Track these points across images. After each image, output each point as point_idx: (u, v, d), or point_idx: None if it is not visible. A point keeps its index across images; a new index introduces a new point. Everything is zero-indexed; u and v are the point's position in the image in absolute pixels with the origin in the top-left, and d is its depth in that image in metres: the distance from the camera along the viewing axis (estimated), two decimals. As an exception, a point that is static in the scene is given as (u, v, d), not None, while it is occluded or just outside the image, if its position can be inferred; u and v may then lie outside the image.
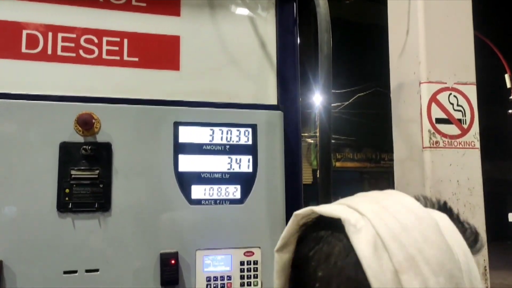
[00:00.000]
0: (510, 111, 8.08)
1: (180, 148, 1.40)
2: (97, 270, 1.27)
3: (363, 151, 15.96)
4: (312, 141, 14.88)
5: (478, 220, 1.87)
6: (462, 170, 1.89)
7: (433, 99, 1.92)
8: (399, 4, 2.15)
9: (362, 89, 13.84)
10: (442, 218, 0.53)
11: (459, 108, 1.95)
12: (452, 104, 1.95)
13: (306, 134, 14.11)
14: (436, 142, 1.89)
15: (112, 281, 1.27)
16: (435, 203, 0.58)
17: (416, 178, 1.93)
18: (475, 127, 1.95)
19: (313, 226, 0.54)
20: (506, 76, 8.05)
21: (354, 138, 15.31)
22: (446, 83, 1.96)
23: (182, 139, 1.41)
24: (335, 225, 0.51)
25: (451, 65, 1.97)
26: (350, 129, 15.05)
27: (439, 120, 1.90)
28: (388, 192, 0.56)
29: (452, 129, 1.92)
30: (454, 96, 1.95)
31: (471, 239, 0.53)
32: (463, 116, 1.94)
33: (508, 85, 8.12)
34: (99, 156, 1.32)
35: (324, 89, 1.33)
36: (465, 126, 1.93)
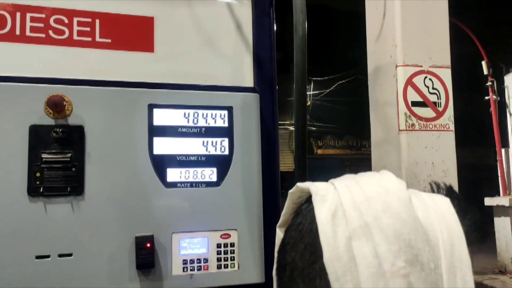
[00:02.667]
0: (486, 97, 8.22)
1: (155, 131, 1.38)
2: (70, 255, 1.25)
3: (344, 138, 16.09)
4: (293, 129, 14.92)
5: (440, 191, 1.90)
6: (437, 152, 1.92)
7: (409, 82, 1.94)
8: (376, -12, 2.15)
9: (343, 76, 13.91)
10: (438, 201, 0.53)
11: (434, 91, 1.98)
12: (428, 87, 1.97)
13: (287, 122, 14.14)
14: (412, 124, 1.91)
15: (86, 266, 1.26)
16: (443, 189, 0.59)
17: (392, 161, 1.96)
18: (450, 110, 1.97)
19: (304, 202, 0.56)
20: (483, 63, 8.17)
21: (335, 126, 15.42)
22: (421, 66, 1.98)
23: (157, 121, 1.39)
24: None
25: (426, 49, 1.99)
26: (331, 117, 15.14)
27: (415, 103, 1.92)
28: (381, 172, 0.57)
29: (427, 112, 1.94)
30: (430, 79, 1.97)
31: (468, 225, 0.53)
32: (438, 99, 1.96)
33: (485, 72, 8.24)
34: (71, 139, 1.29)
35: (298, 70, 1.33)
36: (440, 109, 1.96)
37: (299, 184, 0.55)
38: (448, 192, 0.58)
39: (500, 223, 8.52)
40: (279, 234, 0.57)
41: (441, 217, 0.50)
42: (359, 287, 0.44)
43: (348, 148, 15.96)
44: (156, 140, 1.37)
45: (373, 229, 0.46)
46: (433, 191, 0.58)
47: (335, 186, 0.52)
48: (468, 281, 0.48)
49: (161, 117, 1.39)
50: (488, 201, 8.74)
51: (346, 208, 0.48)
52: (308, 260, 0.49)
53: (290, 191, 0.57)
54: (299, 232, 0.52)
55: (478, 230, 0.55)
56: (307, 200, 0.54)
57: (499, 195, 8.77)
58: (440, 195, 0.55)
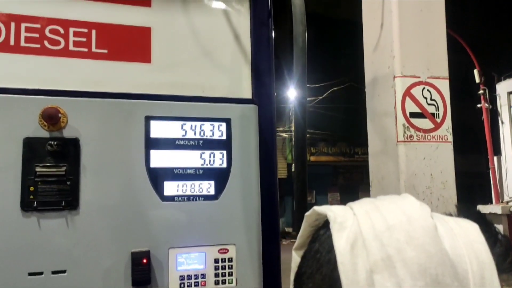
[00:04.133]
0: (479, 105, 8.28)
1: (151, 143, 1.35)
2: (64, 271, 1.22)
3: (337, 145, 16.12)
4: (287, 136, 14.94)
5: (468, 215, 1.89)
6: (436, 163, 1.91)
7: (407, 93, 1.93)
8: (374, -2, 2.15)
9: (336, 83, 13.96)
10: (466, 227, 0.49)
11: (433, 102, 1.97)
12: (426, 98, 1.96)
13: (281, 129, 14.16)
14: (410, 136, 1.90)
15: (80, 282, 1.22)
16: (472, 214, 0.55)
17: (390, 172, 1.94)
18: (448, 121, 1.97)
19: (322, 226, 0.53)
20: (475, 72, 8.24)
21: (328, 132, 15.45)
22: (419, 77, 1.97)
23: (154, 134, 1.36)
24: None
25: (424, 60, 1.98)
26: (325, 124, 15.17)
27: (413, 114, 1.91)
28: (402, 196, 0.53)
29: (425, 123, 1.93)
30: (428, 90, 1.96)
31: (499, 254, 0.50)
32: (436, 110, 1.96)
33: (477, 80, 8.31)
34: (66, 152, 1.26)
35: (299, 83, 1.31)
36: (438, 120, 1.95)
37: (316, 208, 0.53)
38: (477, 217, 0.54)
39: (493, 231, 8.52)
40: (296, 257, 0.55)
41: (470, 246, 0.47)
42: None
43: (341, 155, 16.00)
44: (153, 152, 1.35)
45: (396, 263, 0.43)
46: (459, 215, 0.55)
47: (354, 211, 0.49)
48: None
49: (158, 129, 1.37)
50: (481, 209, 8.76)
51: (366, 237, 0.45)
52: None
53: (307, 213, 0.54)
54: (317, 261, 0.49)
55: (509, 258, 0.51)
56: (324, 224, 0.52)
57: (491, 202, 8.81)
58: (467, 221, 0.52)
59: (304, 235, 0.55)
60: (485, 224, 0.52)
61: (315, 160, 15.57)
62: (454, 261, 0.45)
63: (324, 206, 0.53)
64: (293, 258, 0.56)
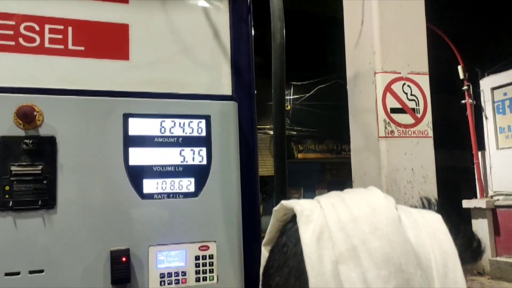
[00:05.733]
0: (463, 101, 8.38)
1: (130, 141, 1.34)
2: (42, 271, 1.20)
3: (325, 142, 16.17)
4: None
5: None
6: (416, 158, 1.93)
7: (388, 88, 1.94)
8: (354, -5, 2.15)
9: (323, 80, 14.00)
10: (429, 218, 0.51)
11: (413, 97, 1.99)
12: (406, 93, 1.98)
13: (268, 126, 14.15)
14: (391, 131, 1.91)
15: (58, 282, 1.21)
16: (434, 204, 0.57)
17: (372, 167, 1.95)
18: (428, 116, 1.98)
19: (290, 220, 0.53)
20: (459, 68, 8.34)
21: (316, 130, 15.48)
22: (400, 73, 1.99)
23: (132, 131, 1.35)
24: None
25: (405, 55, 1.99)
26: (312, 121, 15.20)
27: (393, 110, 1.93)
28: (368, 189, 0.53)
29: (406, 119, 1.95)
30: (408, 85, 1.98)
31: (462, 244, 0.51)
32: (416, 106, 1.97)
33: (461, 76, 8.41)
34: (42, 150, 1.24)
35: (277, 78, 1.31)
36: (419, 116, 1.97)
37: (284, 202, 0.53)
38: (440, 208, 0.56)
39: (478, 225, 8.66)
40: (265, 253, 0.55)
41: (433, 237, 0.48)
42: None
43: (329, 152, 16.05)
44: (132, 150, 1.34)
45: (361, 253, 0.44)
46: (424, 207, 0.56)
47: (321, 204, 0.49)
48: None
49: (137, 126, 1.36)
50: (466, 204, 8.88)
51: (332, 229, 0.46)
52: (293, 286, 0.46)
53: (275, 208, 0.54)
54: (284, 254, 0.49)
55: (472, 248, 0.52)
56: (292, 219, 0.51)
57: (476, 197, 8.93)
58: (431, 212, 0.53)
59: (273, 230, 0.55)
60: (449, 215, 0.53)
61: (303, 157, 15.60)
62: (417, 250, 0.46)
63: (292, 200, 0.53)
64: (262, 253, 0.56)
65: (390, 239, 0.45)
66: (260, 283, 0.54)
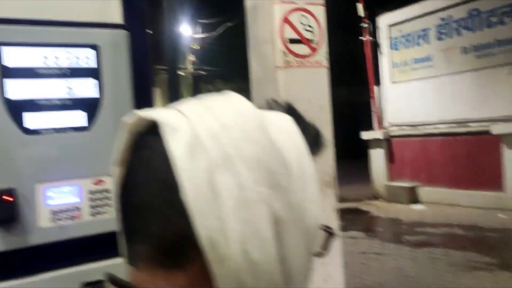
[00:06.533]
0: (362, 38, 8.77)
1: (6, 72, 1.22)
2: None
3: (234, 81, 16.19)
4: (183, 74, 14.62)
5: (326, 133, 2.02)
6: (312, 88, 2.00)
7: (285, 19, 1.95)
8: None
9: (230, 18, 13.76)
10: (282, 119, 0.53)
11: (310, 28, 2.02)
12: (303, 24, 2.01)
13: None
14: (289, 62, 1.95)
15: None
16: (284, 106, 0.58)
17: (271, 98, 2.00)
18: (324, 47, 2.05)
19: (149, 132, 0.49)
20: (359, 5, 8.64)
21: (224, 69, 15.40)
22: (297, 3, 2.00)
23: (9, 62, 1.23)
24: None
25: (301, -14, 2.00)
26: (220, 60, 15.06)
27: (291, 41, 1.95)
28: (225, 94, 0.53)
29: (303, 49, 1.99)
30: (305, 16, 2.00)
31: (310, 140, 0.54)
32: (313, 37, 2.02)
33: (361, 14, 8.75)
34: None
35: (168, 18, 1.25)
36: (315, 46, 2.02)
37: (140, 113, 0.49)
38: (288, 109, 0.58)
39: (375, 154, 9.44)
40: (118, 171, 0.51)
41: (289, 136, 0.51)
42: (223, 219, 0.43)
43: (238, 91, 16.17)
44: (9, 82, 1.22)
45: (235, 160, 0.45)
46: (271, 109, 0.58)
47: (185, 114, 0.48)
48: (315, 193, 0.50)
49: (14, 56, 1.23)
50: (364, 135, 9.58)
51: (204, 139, 0.45)
52: (165, 199, 0.45)
53: (127, 121, 0.50)
54: (149, 169, 0.47)
55: (317, 144, 0.57)
56: (152, 131, 0.48)
57: (373, 129, 9.65)
58: (282, 114, 0.55)
59: (125, 146, 0.51)
60: (297, 115, 0.56)
61: (213, 97, 15.57)
62: (281, 151, 0.48)
63: (147, 109, 0.50)
64: (113, 173, 0.51)
65: (260, 144, 0.46)
66: (115, 202, 0.51)
